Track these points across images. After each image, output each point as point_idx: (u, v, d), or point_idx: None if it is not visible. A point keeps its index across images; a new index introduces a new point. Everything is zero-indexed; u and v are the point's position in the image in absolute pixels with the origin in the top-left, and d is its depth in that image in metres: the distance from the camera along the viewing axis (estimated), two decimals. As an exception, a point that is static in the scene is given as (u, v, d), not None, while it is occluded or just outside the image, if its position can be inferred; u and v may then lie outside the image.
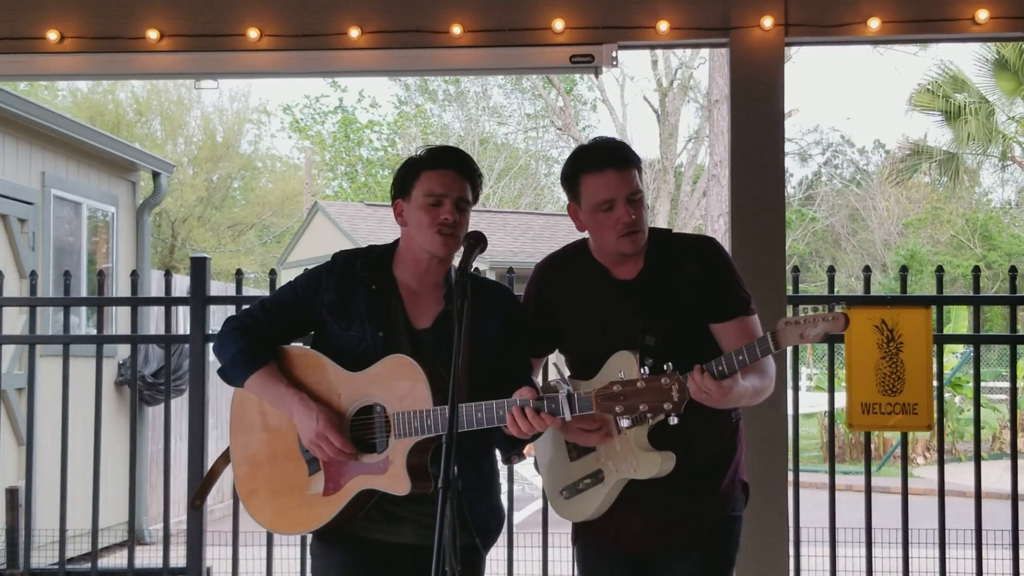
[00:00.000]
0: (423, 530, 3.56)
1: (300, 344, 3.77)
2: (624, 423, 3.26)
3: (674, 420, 3.23)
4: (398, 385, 3.50)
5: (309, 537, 3.81)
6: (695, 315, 3.70)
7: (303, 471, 3.63)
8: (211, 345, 3.85)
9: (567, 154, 4.23)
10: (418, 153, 3.73)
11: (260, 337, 3.68)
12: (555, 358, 4.09)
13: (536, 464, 3.96)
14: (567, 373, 3.86)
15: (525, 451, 3.77)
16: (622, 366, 3.55)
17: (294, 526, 3.71)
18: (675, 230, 3.98)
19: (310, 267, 3.85)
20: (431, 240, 3.60)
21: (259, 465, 3.73)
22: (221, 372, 3.75)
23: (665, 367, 3.22)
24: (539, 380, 4.07)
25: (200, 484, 4.01)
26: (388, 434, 3.51)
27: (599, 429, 3.59)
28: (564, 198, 3.95)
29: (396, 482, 3.48)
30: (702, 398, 3.37)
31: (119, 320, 11.20)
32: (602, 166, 3.69)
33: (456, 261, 3.66)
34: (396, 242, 3.77)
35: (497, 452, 3.78)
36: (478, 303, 3.41)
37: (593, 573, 3.93)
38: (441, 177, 3.63)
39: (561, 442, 3.80)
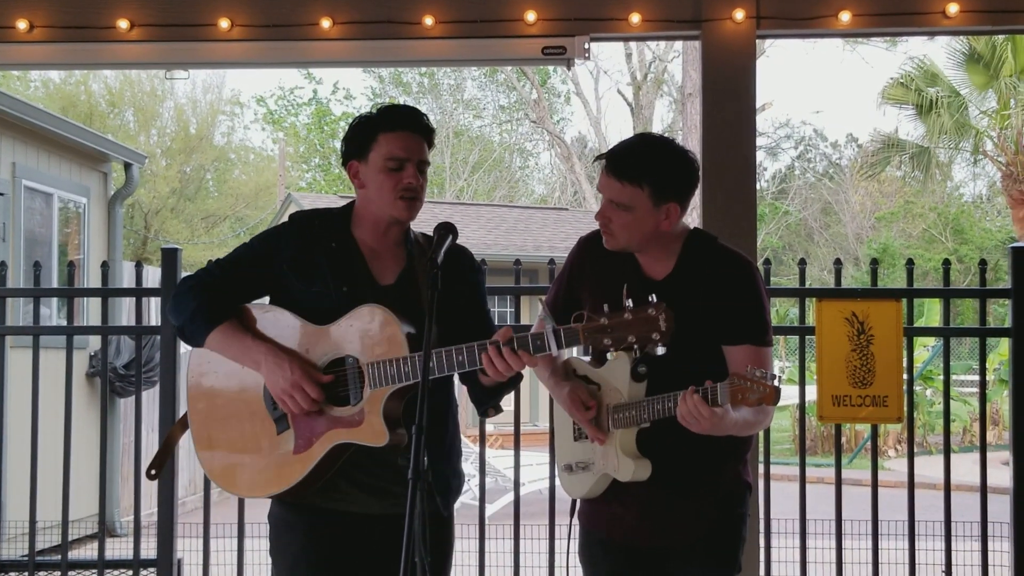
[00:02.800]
0: (385, 499, 3.51)
1: (262, 303, 3.67)
2: (610, 356, 3.23)
3: (661, 350, 3.21)
4: (371, 334, 3.43)
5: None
6: (709, 331, 3.64)
7: (270, 430, 3.53)
8: (167, 305, 3.72)
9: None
10: (371, 111, 3.66)
11: (219, 294, 3.60)
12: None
13: (552, 431, 3.96)
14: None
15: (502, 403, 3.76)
16: (617, 368, 3.58)
17: (263, 488, 3.57)
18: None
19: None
20: (394, 206, 3.54)
21: (222, 429, 3.62)
22: (179, 331, 3.64)
23: (650, 298, 3.19)
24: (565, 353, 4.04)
25: (156, 453, 3.92)
26: (362, 385, 3.43)
27: (592, 418, 3.62)
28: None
29: (373, 433, 3.40)
30: (691, 423, 3.35)
31: (90, 312, 11.16)
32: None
33: (422, 238, 3.66)
34: (352, 203, 3.72)
35: (471, 409, 3.77)
36: (444, 268, 3.35)
37: (590, 560, 3.93)
38: (401, 140, 3.55)
39: (569, 419, 3.81)
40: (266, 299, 3.72)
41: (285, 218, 3.74)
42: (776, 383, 3.23)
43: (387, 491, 3.53)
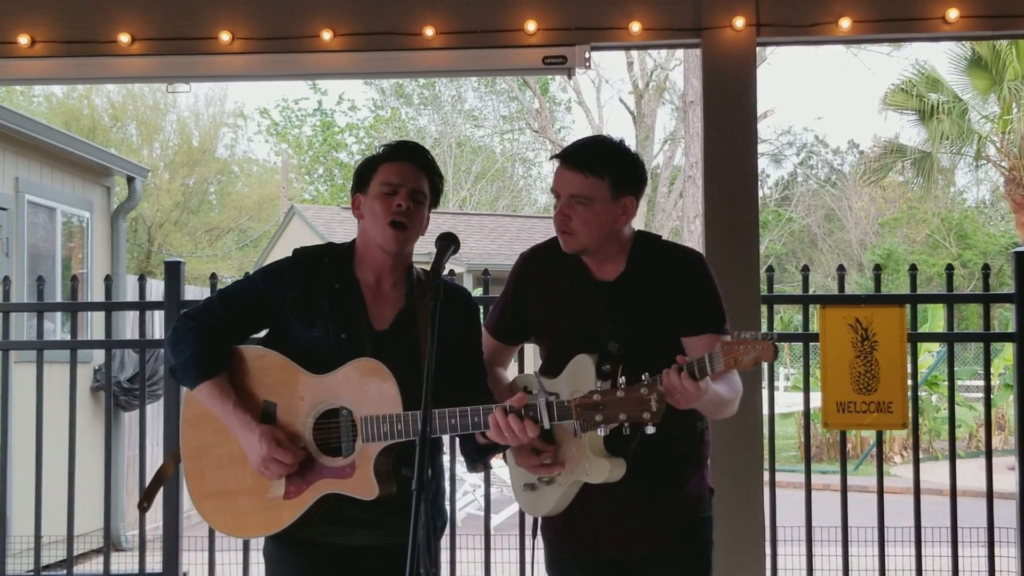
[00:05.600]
0: (377, 531, 3.54)
1: (259, 346, 3.68)
2: (601, 432, 3.25)
3: (651, 430, 3.21)
4: (366, 388, 3.45)
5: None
6: (667, 324, 3.67)
7: (268, 478, 3.55)
8: (166, 339, 3.79)
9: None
10: (378, 150, 3.73)
11: (217, 339, 3.61)
12: (532, 352, 4.09)
13: (505, 456, 3.96)
14: (540, 363, 3.88)
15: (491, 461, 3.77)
16: (580, 370, 3.58)
17: (251, 530, 3.62)
18: (652, 231, 3.96)
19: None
20: (382, 234, 3.57)
21: (213, 467, 3.64)
22: (172, 371, 3.68)
23: (643, 377, 3.20)
24: (511, 370, 4.08)
25: (147, 486, 3.94)
26: (355, 438, 3.46)
27: (546, 464, 3.61)
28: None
29: (363, 487, 3.44)
30: (676, 399, 3.34)
31: (94, 325, 11.16)
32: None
33: (419, 262, 3.65)
34: (354, 241, 3.74)
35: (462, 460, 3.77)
36: (440, 305, 3.38)
37: (561, 574, 3.92)
38: (397, 168, 3.62)
39: None
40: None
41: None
42: (772, 340, 3.22)
43: (378, 523, 3.55)
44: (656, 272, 3.73)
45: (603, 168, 3.65)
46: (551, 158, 3.89)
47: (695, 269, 3.76)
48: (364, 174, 3.67)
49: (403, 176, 3.60)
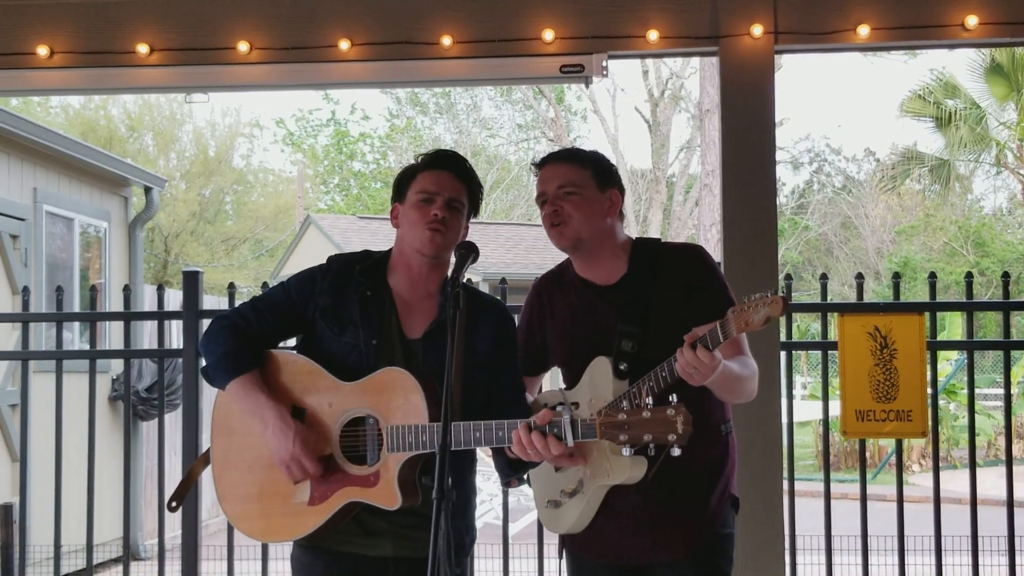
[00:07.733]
0: (402, 541, 3.54)
1: (290, 350, 3.71)
2: (626, 452, 3.24)
3: (677, 452, 3.20)
4: (393, 398, 3.45)
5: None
6: (678, 319, 3.64)
7: (287, 479, 3.55)
8: (200, 342, 3.78)
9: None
10: (418, 158, 3.74)
11: (249, 339, 3.62)
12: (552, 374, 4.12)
13: (528, 478, 3.96)
14: (563, 385, 3.88)
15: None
16: (598, 372, 3.61)
17: (275, 533, 3.62)
18: (665, 239, 4.00)
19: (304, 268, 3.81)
20: (420, 237, 3.57)
21: (241, 470, 3.65)
22: (204, 371, 3.69)
23: (670, 399, 3.19)
24: (533, 396, 4.08)
25: (178, 486, 3.95)
26: (380, 447, 3.46)
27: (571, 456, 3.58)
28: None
29: (386, 496, 3.44)
30: (691, 373, 3.36)
31: (112, 335, 11.20)
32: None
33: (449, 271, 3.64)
34: (390, 250, 3.75)
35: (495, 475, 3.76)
36: (472, 316, 3.38)
37: None
38: (435, 176, 3.63)
39: None
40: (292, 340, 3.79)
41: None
42: (779, 293, 3.24)
43: (401, 534, 3.55)
44: (660, 270, 3.78)
45: (584, 160, 3.84)
46: (531, 166, 3.97)
47: (698, 261, 3.82)
48: (402, 183, 3.69)
49: (440, 185, 3.61)
